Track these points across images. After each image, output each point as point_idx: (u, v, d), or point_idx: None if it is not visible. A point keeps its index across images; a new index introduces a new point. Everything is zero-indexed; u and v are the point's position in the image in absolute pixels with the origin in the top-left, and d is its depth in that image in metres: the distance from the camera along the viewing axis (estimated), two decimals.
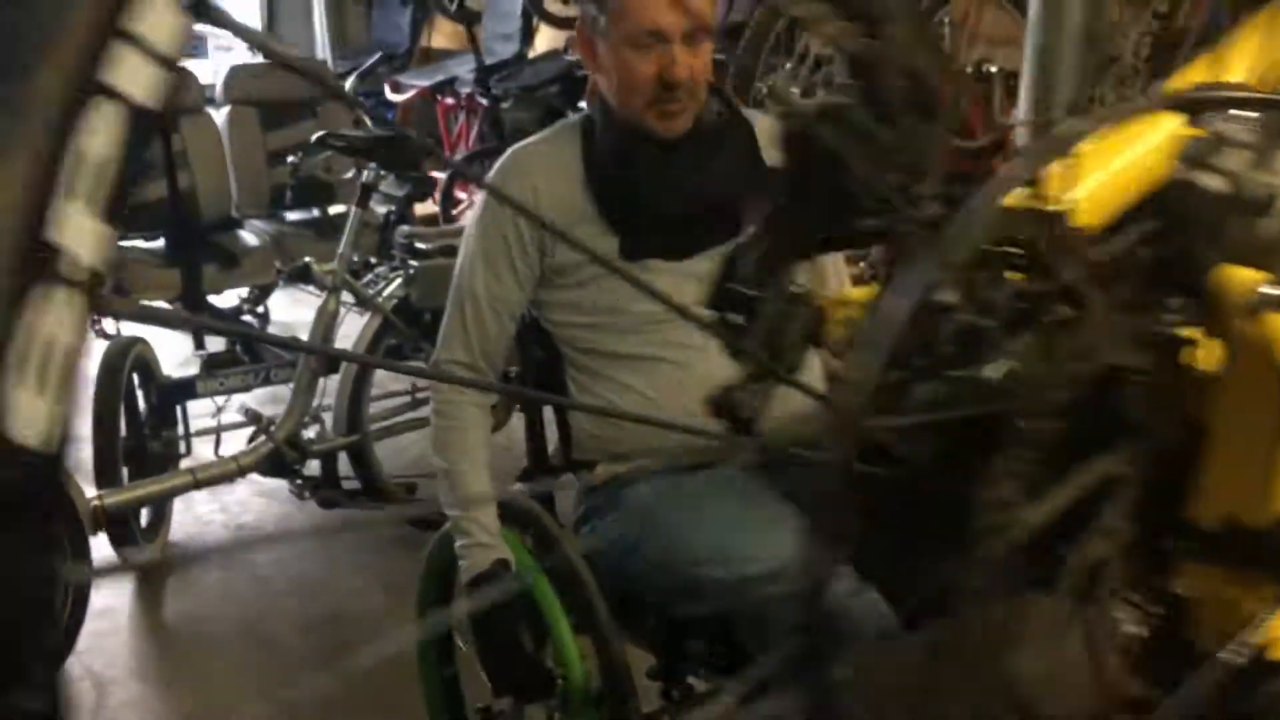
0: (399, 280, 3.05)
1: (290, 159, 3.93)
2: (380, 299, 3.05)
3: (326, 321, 3.01)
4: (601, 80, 1.85)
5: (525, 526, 1.87)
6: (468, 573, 1.78)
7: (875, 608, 1.43)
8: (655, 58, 1.73)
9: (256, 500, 3.55)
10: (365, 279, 3.16)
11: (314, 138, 3.03)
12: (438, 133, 6.09)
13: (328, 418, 3.13)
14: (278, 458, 2.99)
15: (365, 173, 3.01)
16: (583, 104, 5.21)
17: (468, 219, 2.05)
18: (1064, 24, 3.21)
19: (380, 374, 3.19)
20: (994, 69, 3.86)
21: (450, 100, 5.93)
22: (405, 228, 3.16)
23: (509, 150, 1.92)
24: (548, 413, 2.06)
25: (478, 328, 1.84)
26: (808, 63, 3.68)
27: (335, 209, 4.27)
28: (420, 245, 3.02)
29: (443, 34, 6.81)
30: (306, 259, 2.98)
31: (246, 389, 3.28)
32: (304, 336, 3.79)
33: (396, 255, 3.09)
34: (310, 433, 3.11)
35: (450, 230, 3.17)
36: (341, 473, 3.21)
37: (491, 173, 1.94)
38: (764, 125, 1.90)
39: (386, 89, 6.00)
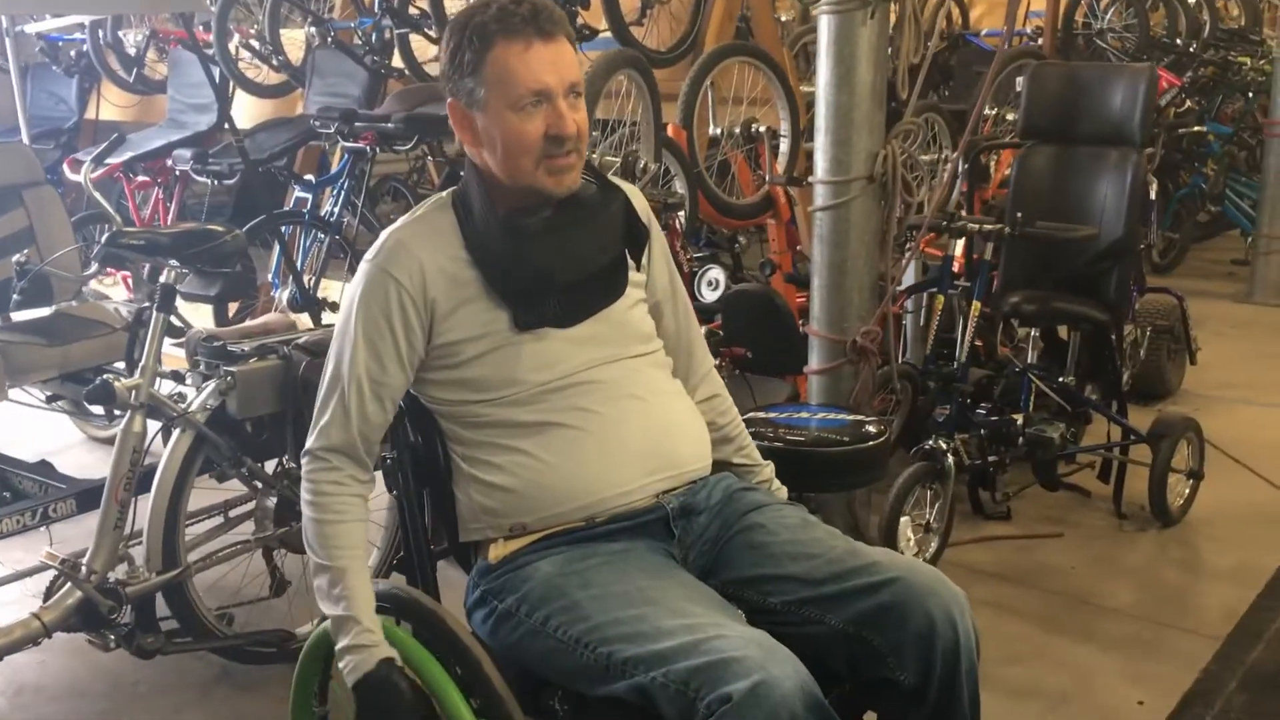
0: (210, 389, 2.72)
1: (16, 258, 3.45)
2: (190, 412, 2.71)
3: (134, 443, 2.63)
4: (482, 154, 1.84)
5: (411, 617, 1.84)
6: (353, 674, 1.73)
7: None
8: (542, 115, 1.76)
9: (30, 656, 3.04)
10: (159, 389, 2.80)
11: (104, 237, 2.65)
12: (127, 212, 5.55)
13: (135, 552, 2.74)
14: (89, 608, 2.58)
15: (167, 272, 2.68)
16: (309, 176, 4.92)
17: (343, 298, 1.93)
18: (855, 85, 3.39)
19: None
20: (762, 128, 4.00)
21: (144, 177, 5.41)
22: (201, 329, 2.82)
23: (386, 232, 1.90)
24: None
25: (359, 413, 1.82)
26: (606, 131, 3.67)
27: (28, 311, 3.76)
28: (234, 349, 2.72)
29: (113, 105, 6.25)
30: (104, 377, 2.60)
31: (22, 531, 2.82)
32: (25, 455, 3.32)
33: (202, 361, 2.76)
34: (116, 572, 2.70)
35: (257, 328, 2.87)
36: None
37: (371, 253, 1.87)
38: (632, 192, 2.00)
39: (65, 168, 5.39)
